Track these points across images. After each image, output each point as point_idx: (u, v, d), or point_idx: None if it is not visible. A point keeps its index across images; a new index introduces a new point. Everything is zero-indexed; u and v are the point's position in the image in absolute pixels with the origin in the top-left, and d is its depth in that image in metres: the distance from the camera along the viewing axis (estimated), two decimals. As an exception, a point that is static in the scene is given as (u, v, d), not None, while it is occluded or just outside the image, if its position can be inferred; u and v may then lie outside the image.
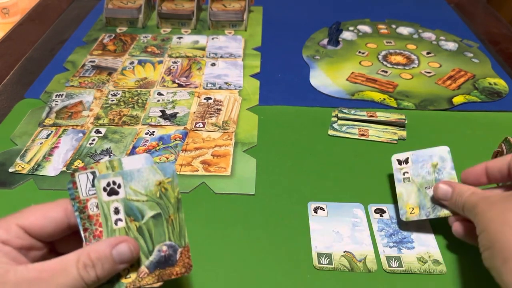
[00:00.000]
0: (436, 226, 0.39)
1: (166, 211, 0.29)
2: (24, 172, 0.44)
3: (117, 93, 0.56)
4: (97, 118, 0.52)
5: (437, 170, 0.39)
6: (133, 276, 0.28)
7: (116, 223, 0.28)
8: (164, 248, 0.28)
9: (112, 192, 0.28)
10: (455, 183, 0.36)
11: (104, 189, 0.28)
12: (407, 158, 0.41)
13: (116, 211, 0.28)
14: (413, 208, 0.38)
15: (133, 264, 0.28)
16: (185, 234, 0.29)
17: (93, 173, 0.28)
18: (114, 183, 0.28)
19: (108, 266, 0.26)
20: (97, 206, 0.28)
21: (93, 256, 0.26)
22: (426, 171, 0.39)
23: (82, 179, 0.28)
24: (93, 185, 0.28)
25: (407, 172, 0.40)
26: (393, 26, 0.73)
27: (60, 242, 0.29)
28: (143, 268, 0.28)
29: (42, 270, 0.25)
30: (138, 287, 0.28)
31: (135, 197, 0.28)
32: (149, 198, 0.28)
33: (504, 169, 0.34)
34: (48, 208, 0.28)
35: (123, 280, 0.28)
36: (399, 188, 0.39)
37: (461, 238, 0.35)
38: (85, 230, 0.28)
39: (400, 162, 0.41)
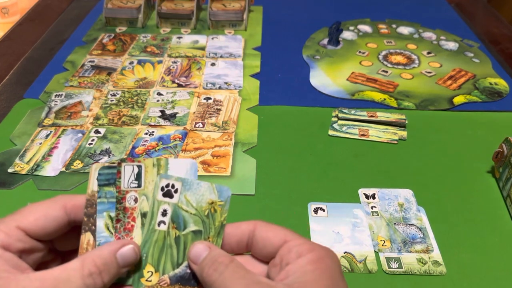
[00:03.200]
0: (436, 227, 0.39)
1: (207, 231, 0.28)
2: (23, 172, 0.44)
3: (116, 93, 0.56)
4: (97, 118, 0.52)
5: (403, 209, 0.40)
6: (154, 280, 0.28)
7: (159, 225, 0.28)
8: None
9: (168, 194, 0.28)
10: (214, 246, 0.27)
11: (162, 189, 0.28)
12: (374, 194, 0.42)
13: (164, 213, 0.28)
14: (384, 241, 0.38)
15: (158, 270, 0.28)
16: None
17: (139, 166, 0.28)
18: (173, 186, 0.28)
19: (114, 271, 0.26)
20: (135, 200, 0.28)
21: (99, 262, 0.25)
22: (394, 208, 0.40)
23: (127, 170, 0.28)
24: (136, 178, 0.28)
25: (375, 207, 0.41)
26: (394, 25, 0.73)
27: (59, 239, 0.29)
28: (165, 278, 0.28)
29: (44, 280, 0.24)
30: None
31: (185, 207, 0.28)
32: (197, 213, 0.29)
33: (243, 241, 0.27)
34: (47, 206, 0.27)
35: (143, 281, 0.28)
36: (369, 220, 0.40)
37: None
38: (117, 221, 0.28)
39: (367, 197, 0.42)
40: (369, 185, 0.43)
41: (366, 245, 0.37)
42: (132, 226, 0.28)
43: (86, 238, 0.28)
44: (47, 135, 0.49)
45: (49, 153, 0.47)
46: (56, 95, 0.56)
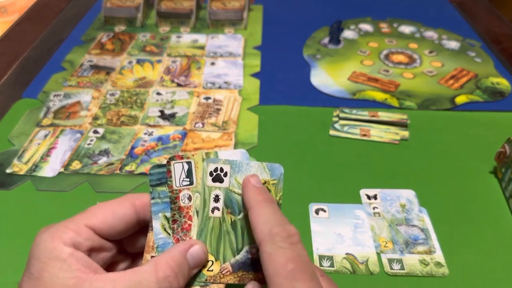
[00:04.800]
0: (439, 228, 0.39)
1: None
2: (22, 173, 0.44)
3: (115, 93, 0.56)
4: (95, 118, 0.51)
5: (405, 210, 0.40)
6: (215, 269, 0.27)
7: (212, 211, 0.27)
8: (254, 250, 0.27)
9: (217, 179, 0.27)
10: None
11: (211, 174, 0.27)
12: (376, 195, 0.41)
13: (216, 199, 0.27)
14: (386, 242, 0.37)
15: (218, 258, 0.27)
16: None
17: (189, 163, 0.27)
18: (221, 170, 0.27)
19: (186, 273, 0.25)
20: (189, 198, 0.27)
21: (173, 264, 0.24)
22: (395, 209, 0.40)
23: (177, 169, 0.27)
24: (187, 176, 0.27)
25: (377, 207, 0.40)
26: (395, 24, 0.73)
27: (129, 240, 0.28)
28: (227, 265, 0.27)
29: (117, 281, 0.23)
30: (218, 283, 0.27)
31: (237, 190, 0.27)
32: None
33: None
34: (116, 204, 0.27)
35: (205, 272, 0.27)
36: (371, 221, 0.39)
37: None
38: (174, 221, 0.27)
39: (369, 197, 0.41)
40: (370, 186, 0.43)
41: (368, 247, 0.37)
42: (189, 225, 0.27)
43: (152, 237, 0.27)
44: (46, 135, 0.49)
45: (47, 154, 0.46)
46: (55, 95, 0.55)
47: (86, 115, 0.52)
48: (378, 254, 0.37)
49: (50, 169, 0.44)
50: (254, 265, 0.27)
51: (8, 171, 0.44)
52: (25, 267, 0.24)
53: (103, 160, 0.46)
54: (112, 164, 0.45)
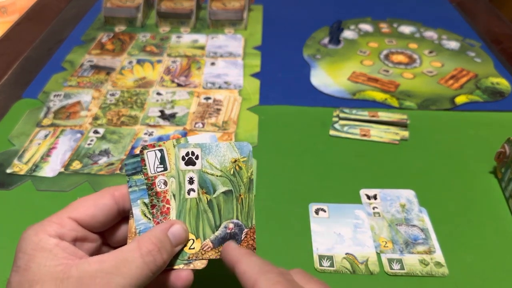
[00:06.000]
0: (438, 228, 0.39)
1: (237, 189, 0.29)
2: (22, 173, 0.44)
3: (115, 93, 0.56)
4: (96, 118, 0.51)
5: (405, 210, 0.40)
6: (197, 247, 0.28)
7: (188, 193, 0.29)
8: (231, 225, 0.29)
9: (190, 162, 0.29)
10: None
11: (183, 158, 0.29)
12: (375, 195, 0.41)
13: (191, 181, 0.29)
14: (386, 242, 0.37)
15: (198, 236, 0.28)
16: (253, 216, 0.29)
17: (161, 150, 0.29)
18: (193, 153, 0.29)
19: (169, 250, 0.26)
20: (164, 183, 0.29)
21: (155, 240, 0.26)
22: (395, 209, 0.40)
23: (151, 156, 0.29)
24: (160, 163, 0.29)
25: (377, 207, 0.40)
26: (395, 25, 0.73)
27: (111, 233, 0.29)
28: (208, 242, 0.28)
29: (103, 262, 0.24)
30: (200, 259, 0.28)
31: (210, 170, 0.29)
32: (223, 174, 0.29)
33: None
34: (96, 196, 0.28)
35: (187, 250, 0.28)
36: (371, 221, 0.39)
37: None
38: (152, 206, 0.28)
39: (369, 197, 0.41)
40: (370, 186, 0.43)
41: (368, 246, 0.37)
42: (168, 208, 0.28)
43: (134, 223, 0.28)
44: (46, 136, 0.49)
45: (48, 154, 0.46)
46: (55, 95, 0.55)
47: (86, 115, 0.52)
48: (378, 254, 0.37)
49: (50, 169, 0.44)
50: (233, 239, 0.29)
51: (8, 171, 0.44)
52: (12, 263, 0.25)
53: (103, 160, 0.46)
54: (112, 164, 0.45)
